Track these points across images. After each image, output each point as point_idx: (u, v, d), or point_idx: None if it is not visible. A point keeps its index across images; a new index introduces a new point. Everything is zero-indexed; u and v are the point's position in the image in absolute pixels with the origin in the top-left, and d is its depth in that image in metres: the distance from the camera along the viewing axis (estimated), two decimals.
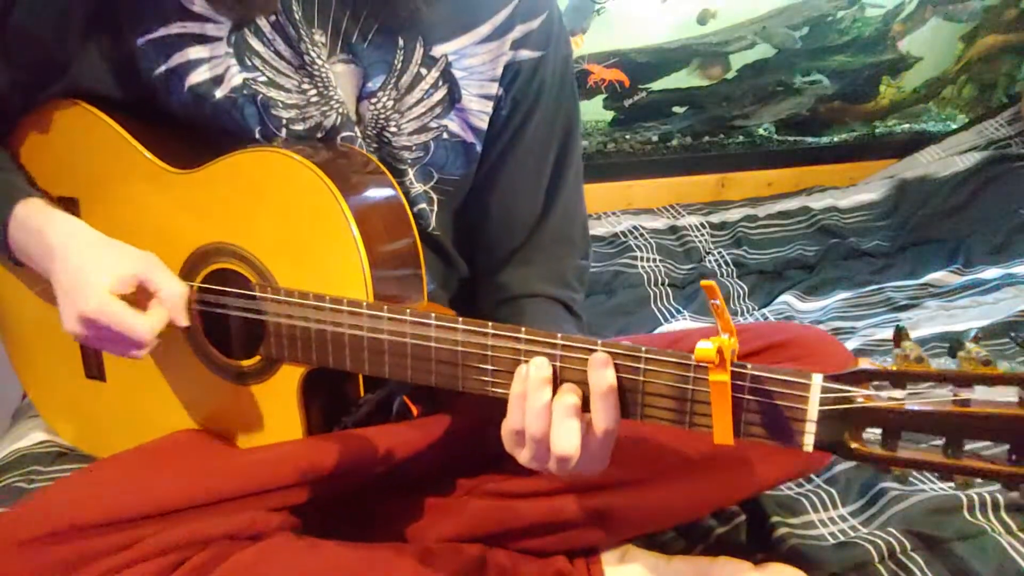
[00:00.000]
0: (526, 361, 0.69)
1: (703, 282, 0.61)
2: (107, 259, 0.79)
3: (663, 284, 1.76)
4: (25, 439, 1.12)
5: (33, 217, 0.83)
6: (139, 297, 0.80)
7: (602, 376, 0.66)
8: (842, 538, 0.99)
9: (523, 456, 0.70)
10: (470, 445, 0.90)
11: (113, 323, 0.77)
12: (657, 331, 1.57)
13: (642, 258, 1.84)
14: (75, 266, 0.78)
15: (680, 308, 1.67)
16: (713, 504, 0.96)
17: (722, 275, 1.80)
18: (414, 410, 0.92)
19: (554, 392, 0.68)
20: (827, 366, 0.88)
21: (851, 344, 1.47)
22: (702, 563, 0.92)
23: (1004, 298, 1.59)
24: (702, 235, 1.94)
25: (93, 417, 1.02)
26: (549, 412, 0.67)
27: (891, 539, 0.95)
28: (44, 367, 1.04)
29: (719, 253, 1.86)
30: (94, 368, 0.98)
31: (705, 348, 0.60)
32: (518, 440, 0.69)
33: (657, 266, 1.81)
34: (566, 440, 0.66)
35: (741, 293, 1.73)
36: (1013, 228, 1.87)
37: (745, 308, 1.68)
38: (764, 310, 1.65)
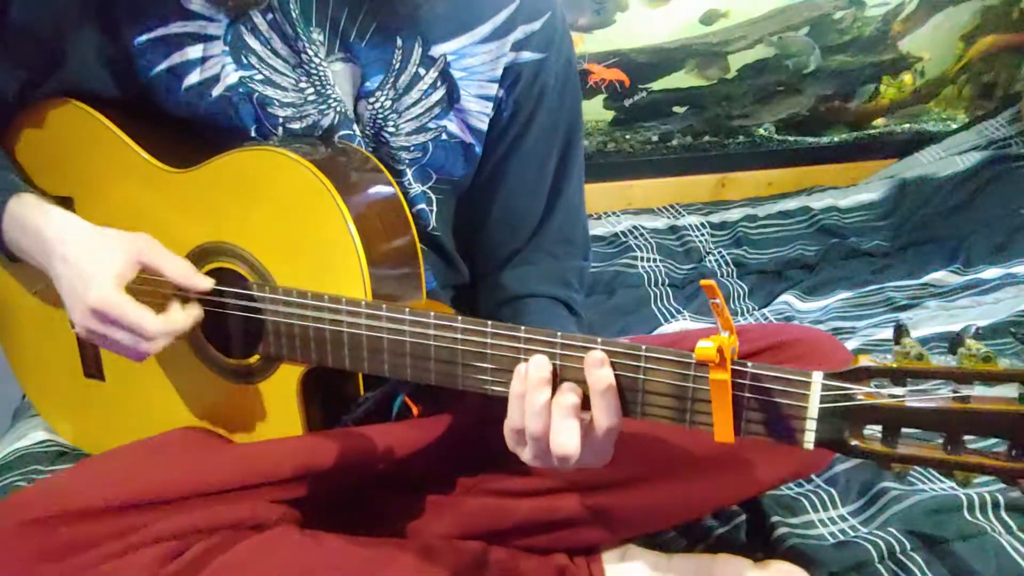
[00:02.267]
0: (526, 360, 0.69)
1: (702, 281, 0.61)
2: (104, 250, 0.79)
3: (663, 284, 1.76)
4: (25, 439, 1.12)
5: (27, 213, 0.82)
6: (146, 283, 0.80)
7: (599, 375, 0.66)
8: (842, 538, 0.99)
9: (525, 454, 0.70)
10: (471, 443, 0.90)
11: (119, 315, 0.76)
12: (657, 331, 1.57)
13: (642, 258, 1.84)
14: (74, 261, 0.78)
15: (680, 308, 1.67)
16: (714, 504, 0.96)
17: (722, 275, 1.80)
18: (415, 409, 0.92)
19: (554, 391, 0.68)
20: (829, 366, 0.89)
21: (851, 344, 1.47)
22: (703, 561, 0.92)
23: (1004, 298, 1.59)
24: (702, 235, 1.94)
25: (92, 416, 1.02)
26: (548, 411, 0.67)
27: (891, 539, 0.95)
28: (42, 366, 1.03)
29: (719, 253, 1.86)
30: (93, 367, 0.98)
31: (705, 347, 0.60)
32: (519, 439, 0.69)
33: (657, 266, 1.81)
34: (566, 440, 0.66)
35: (741, 293, 1.73)
36: (1013, 228, 1.87)
37: (745, 308, 1.68)
38: (764, 310, 1.65)
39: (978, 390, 0.55)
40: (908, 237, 1.92)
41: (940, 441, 0.57)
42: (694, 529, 1.00)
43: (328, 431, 0.85)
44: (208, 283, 0.81)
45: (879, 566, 0.93)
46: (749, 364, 0.62)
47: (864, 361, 0.59)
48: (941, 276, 1.74)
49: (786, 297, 1.69)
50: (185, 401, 0.92)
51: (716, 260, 1.84)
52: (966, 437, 0.57)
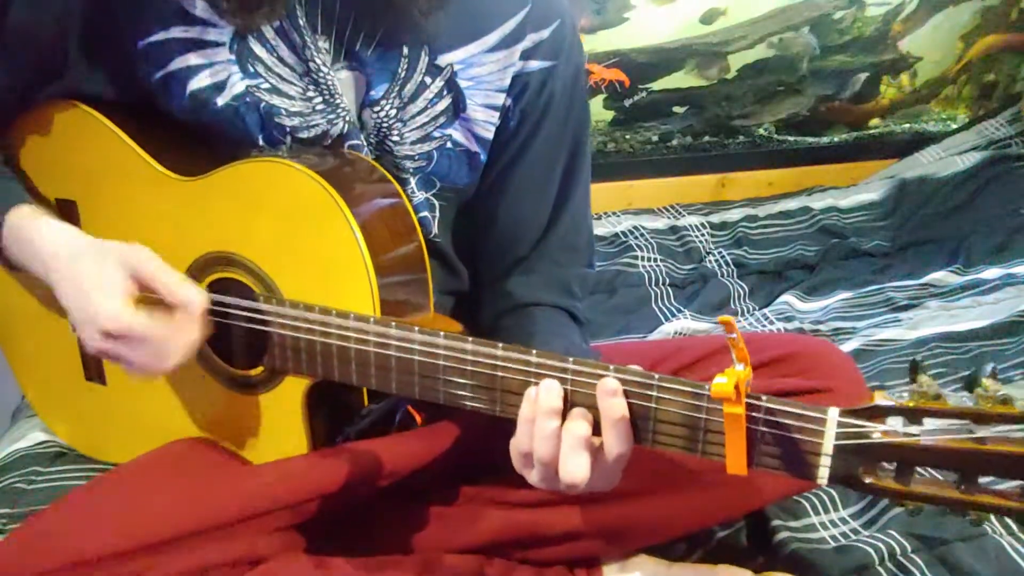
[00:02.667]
0: (536, 383, 0.68)
1: (720, 318, 0.60)
2: (103, 267, 0.76)
3: (663, 284, 1.76)
4: (25, 439, 1.11)
5: (24, 226, 0.82)
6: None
7: (612, 404, 0.65)
8: (843, 541, 0.99)
9: (532, 476, 0.69)
10: (473, 454, 0.90)
11: (142, 333, 0.74)
12: (657, 331, 1.57)
13: (642, 258, 1.84)
14: (75, 279, 0.77)
15: (680, 308, 1.67)
16: (719, 517, 0.96)
17: (722, 275, 1.80)
18: (418, 418, 0.91)
19: (564, 416, 0.67)
20: (831, 379, 0.88)
21: (852, 344, 1.47)
22: (703, 571, 0.92)
23: (1005, 298, 1.59)
24: (702, 235, 1.94)
25: (92, 420, 1.01)
26: (558, 439, 0.66)
27: (892, 541, 0.95)
28: (43, 368, 1.03)
29: (719, 253, 1.86)
30: (93, 370, 0.97)
31: (721, 384, 0.60)
32: (526, 462, 0.69)
33: (658, 266, 1.81)
34: (574, 468, 0.65)
35: (741, 293, 1.73)
36: (1013, 228, 1.87)
37: (746, 308, 1.68)
38: (765, 310, 1.65)
39: (994, 431, 0.55)
40: (908, 237, 1.92)
41: (954, 480, 0.57)
42: (695, 534, 1.00)
43: (328, 450, 0.85)
44: (197, 300, 0.77)
45: (880, 568, 0.93)
46: (764, 398, 0.62)
47: (880, 399, 0.59)
48: (941, 276, 1.74)
49: (786, 297, 1.69)
50: (187, 409, 0.92)
51: (716, 260, 1.84)
52: (981, 478, 0.57)
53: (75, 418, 1.04)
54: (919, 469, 0.58)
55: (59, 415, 1.07)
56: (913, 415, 0.57)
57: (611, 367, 0.67)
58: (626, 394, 0.66)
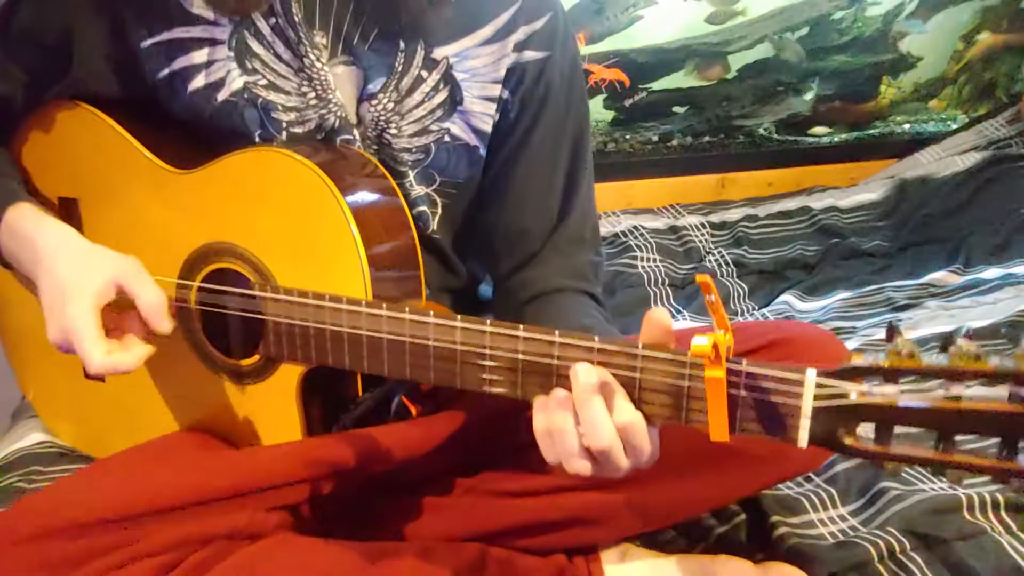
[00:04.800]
0: (526, 359, 0.68)
1: (698, 276, 0.61)
2: (88, 269, 0.78)
3: (663, 284, 1.76)
4: (25, 439, 1.12)
5: (23, 223, 0.83)
6: (123, 305, 0.80)
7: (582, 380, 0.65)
8: (842, 537, 0.99)
9: (585, 469, 0.66)
10: (470, 443, 0.90)
11: (76, 339, 0.76)
12: None
13: (642, 258, 1.84)
14: (57, 274, 0.78)
15: (680, 308, 1.67)
16: (714, 502, 0.96)
17: (722, 275, 1.80)
18: (413, 409, 0.92)
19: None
20: (826, 363, 0.88)
21: (851, 344, 1.47)
22: (702, 562, 0.92)
23: (1004, 298, 1.58)
24: (702, 235, 1.94)
25: (92, 418, 1.02)
26: (610, 422, 0.65)
27: (891, 539, 0.95)
28: (42, 367, 1.04)
29: (719, 253, 1.86)
30: None
31: (701, 344, 0.61)
32: (582, 455, 0.65)
33: (657, 266, 1.81)
34: (642, 444, 0.65)
35: (741, 293, 1.73)
36: (1013, 228, 1.87)
37: (745, 308, 1.68)
38: (764, 310, 1.66)
39: (969, 389, 0.56)
40: (908, 237, 1.92)
41: (932, 440, 0.58)
42: (694, 529, 1.00)
43: (325, 435, 0.85)
44: (168, 328, 0.80)
45: (878, 566, 0.93)
46: (744, 362, 0.63)
47: (857, 360, 0.59)
48: (941, 276, 1.74)
49: (786, 297, 1.69)
50: (185, 402, 0.92)
51: (716, 260, 1.84)
52: (958, 437, 0.57)
53: (76, 417, 1.05)
54: (897, 430, 0.59)
55: (59, 415, 1.07)
56: (889, 375, 0.58)
57: (596, 337, 0.67)
58: (610, 364, 0.66)
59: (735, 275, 1.80)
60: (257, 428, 0.88)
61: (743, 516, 1.02)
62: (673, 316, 1.64)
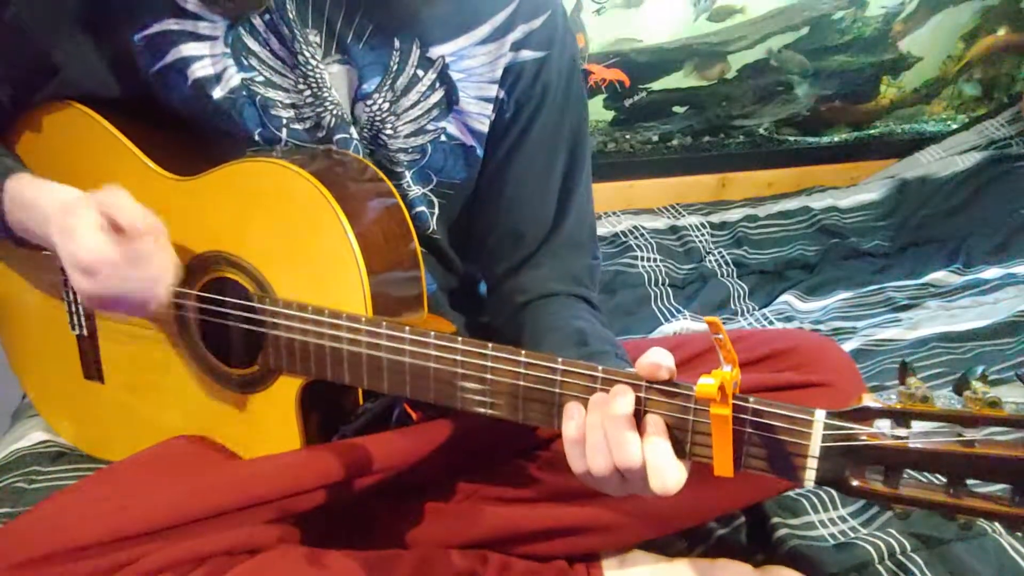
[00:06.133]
0: (527, 386, 0.68)
1: (706, 318, 0.60)
2: (77, 210, 0.75)
3: (663, 284, 1.76)
4: (25, 439, 1.12)
5: (25, 190, 0.82)
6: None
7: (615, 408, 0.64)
8: (842, 539, 0.99)
9: (616, 489, 0.67)
10: (470, 450, 0.90)
11: (120, 258, 0.73)
12: (657, 331, 1.57)
13: (642, 258, 1.84)
14: (65, 230, 0.75)
15: (680, 308, 1.67)
16: (717, 510, 0.96)
17: (722, 275, 1.80)
18: (414, 416, 0.91)
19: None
20: (829, 374, 0.88)
21: (852, 344, 1.47)
22: (703, 565, 0.92)
23: (1004, 298, 1.59)
24: (702, 235, 1.94)
25: (92, 418, 1.01)
26: (640, 443, 0.64)
27: (891, 540, 0.95)
28: (43, 368, 1.03)
29: (719, 253, 1.86)
30: (92, 369, 0.97)
31: (706, 385, 0.59)
32: (619, 479, 0.66)
33: (657, 266, 1.81)
34: (672, 475, 0.63)
35: (741, 293, 1.73)
36: (1013, 228, 1.87)
37: (745, 308, 1.68)
38: (764, 310, 1.65)
39: (983, 434, 0.55)
40: (908, 237, 1.92)
41: (943, 483, 0.57)
42: (694, 531, 1.00)
43: (324, 444, 0.85)
44: (156, 223, 0.76)
45: (879, 567, 0.93)
46: (751, 399, 0.62)
47: (868, 400, 0.58)
48: (941, 276, 1.74)
49: (786, 297, 1.69)
50: (183, 407, 0.92)
51: (716, 260, 1.84)
52: (969, 481, 0.56)
53: (76, 417, 1.05)
54: (907, 472, 0.58)
55: (60, 414, 1.07)
56: (901, 417, 0.57)
57: (599, 368, 0.66)
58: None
59: (735, 275, 1.80)
60: (256, 437, 0.87)
61: (743, 518, 1.02)
62: (673, 316, 1.64)
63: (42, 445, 1.10)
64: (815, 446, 0.60)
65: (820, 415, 0.59)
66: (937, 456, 0.56)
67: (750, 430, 0.62)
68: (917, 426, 0.57)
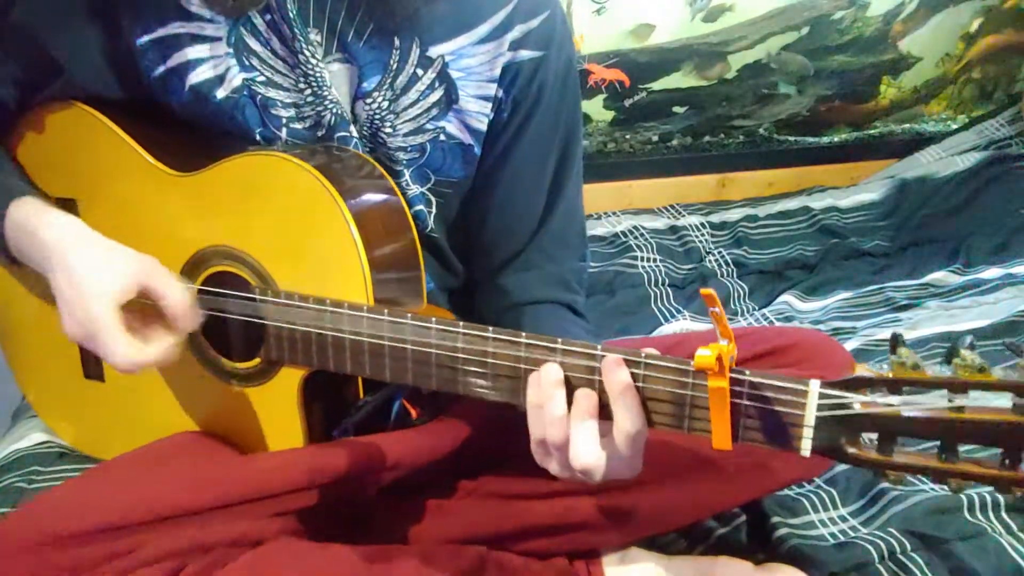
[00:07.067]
0: (528, 368, 0.69)
1: (702, 290, 0.61)
2: (108, 266, 0.78)
3: (663, 284, 1.76)
4: (25, 439, 1.12)
5: (28, 217, 0.82)
6: (146, 309, 0.80)
7: (617, 376, 0.66)
8: (842, 538, 0.99)
9: (552, 467, 0.69)
10: (471, 447, 0.90)
11: (99, 338, 0.76)
12: (657, 331, 1.57)
13: (642, 258, 1.84)
14: (76, 270, 0.77)
15: (680, 308, 1.67)
16: (718, 507, 0.96)
17: (722, 275, 1.80)
18: (413, 412, 0.91)
19: (569, 400, 0.67)
20: (829, 370, 0.88)
21: (852, 344, 1.47)
22: (703, 563, 0.92)
23: (1004, 298, 1.58)
24: (702, 235, 1.94)
25: (92, 417, 1.01)
26: (567, 420, 0.67)
27: (891, 539, 0.96)
28: (42, 367, 1.03)
29: (719, 253, 1.86)
30: (92, 368, 0.98)
31: (704, 355, 0.61)
32: (544, 451, 0.69)
33: (657, 266, 1.81)
34: (584, 452, 0.65)
35: (741, 293, 1.73)
36: (1013, 228, 1.87)
37: (745, 308, 1.68)
38: (764, 310, 1.65)
39: (973, 400, 0.56)
40: (908, 237, 1.92)
41: (935, 450, 0.58)
42: (695, 530, 1.00)
43: (328, 442, 0.85)
44: (197, 323, 0.82)
45: (879, 566, 0.93)
46: (747, 372, 0.63)
47: (861, 370, 0.59)
48: (941, 276, 1.74)
49: (786, 297, 1.69)
50: (185, 403, 0.92)
51: (716, 260, 1.84)
52: (961, 446, 0.57)
53: (76, 417, 1.05)
54: (900, 440, 0.59)
55: (59, 414, 1.07)
56: (893, 386, 0.58)
57: (598, 345, 0.67)
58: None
59: (735, 275, 1.80)
60: (258, 431, 0.88)
61: (744, 517, 1.02)
62: (673, 316, 1.64)
63: (42, 445, 1.10)
64: (810, 415, 0.61)
65: (815, 385, 0.61)
66: (929, 422, 0.57)
67: (747, 402, 0.63)
68: (909, 394, 0.58)
